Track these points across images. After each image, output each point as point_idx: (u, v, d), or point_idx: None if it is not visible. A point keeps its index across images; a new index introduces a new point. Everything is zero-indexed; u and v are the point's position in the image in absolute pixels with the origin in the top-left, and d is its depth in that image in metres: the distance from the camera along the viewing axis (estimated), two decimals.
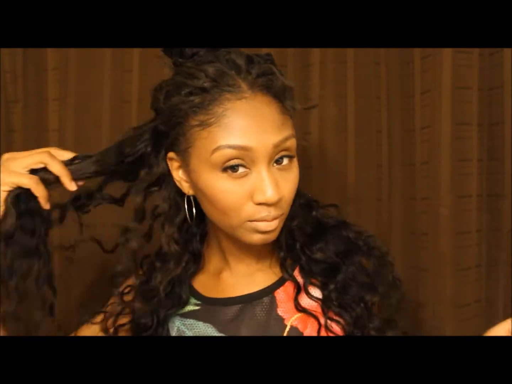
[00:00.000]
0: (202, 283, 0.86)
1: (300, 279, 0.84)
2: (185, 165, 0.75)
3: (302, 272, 0.84)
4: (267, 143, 0.70)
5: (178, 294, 0.84)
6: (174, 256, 0.81)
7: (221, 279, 0.85)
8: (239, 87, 0.71)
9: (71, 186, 0.82)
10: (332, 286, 0.81)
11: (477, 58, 1.08)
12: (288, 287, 0.83)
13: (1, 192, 0.80)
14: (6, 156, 0.82)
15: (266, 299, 0.83)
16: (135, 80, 1.19)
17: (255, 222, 0.73)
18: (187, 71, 0.75)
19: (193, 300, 0.85)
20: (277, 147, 0.71)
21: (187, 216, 0.80)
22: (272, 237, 0.76)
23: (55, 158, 0.82)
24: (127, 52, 1.19)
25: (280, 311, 0.82)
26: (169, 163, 0.79)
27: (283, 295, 0.83)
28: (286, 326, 0.81)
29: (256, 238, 0.75)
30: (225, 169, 0.71)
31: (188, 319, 0.84)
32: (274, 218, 0.73)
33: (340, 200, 1.16)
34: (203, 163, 0.72)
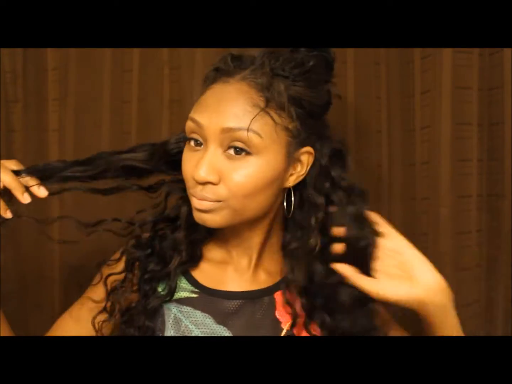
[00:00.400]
0: (201, 272, 0.86)
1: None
2: None
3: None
4: (216, 125, 0.72)
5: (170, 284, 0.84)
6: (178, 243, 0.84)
7: (224, 271, 0.85)
8: (231, 75, 0.75)
9: (24, 198, 0.80)
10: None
11: (477, 58, 1.08)
12: (287, 291, 0.84)
13: None
14: None
15: (266, 299, 0.83)
16: (135, 80, 1.19)
17: (191, 196, 0.76)
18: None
19: (189, 287, 0.84)
20: (226, 132, 0.72)
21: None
22: (209, 219, 0.75)
23: (5, 170, 0.79)
24: (127, 52, 1.19)
25: (278, 314, 0.83)
26: None
27: (282, 298, 0.84)
28: (282, 329, 0.82)
29: (196, 215, 0.77)
30: (189, 140, 0.76)
31: (184, 306, 0.83)
32: (203, 199, 0.74)
33: None
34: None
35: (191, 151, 0.76)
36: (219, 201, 0.74)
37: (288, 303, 0.82)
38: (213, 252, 0.87)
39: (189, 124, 0.75)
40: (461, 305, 1.10)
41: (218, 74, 0.77)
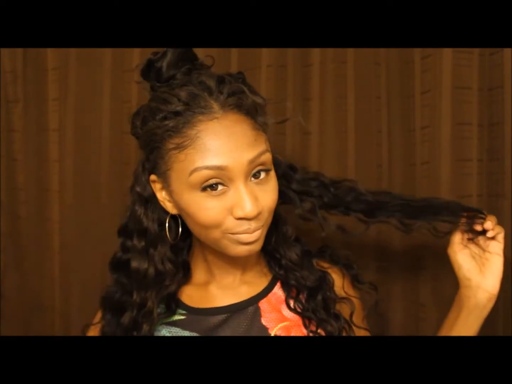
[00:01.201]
0: (188, 295, 0.87)
1: (281, 293, 0.88)
2: (167, 186, 0.78)
3: (284, 286, 0.88)
4: (242, 160, 0.72)
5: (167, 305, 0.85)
6: (170, 273, 0.83)
7: (207, 290, 0.87)
8: (211, 108, 0.73)
9: None
10: (312, 304, 0.85)
11: (477, 58, 1.08)
12: (271, 298, 0.87)
13: None
14: None
15: (250, 309, 0.85)
16: (135, 80, 1.19)
17: (236, 235, 0.75)
18: (161, 96, 0.77)
19: (179, 310, 0.86)
20: (252, 163, 0.73)
21: (167, 234, 0.82)
22: (256, 247, 0.78)
23: None
24: (127, 52, 1.19)
25: (264, 321, 0.84)
26: (152, 185, 0.81)
27: (267, 305, 0.86)
28: (270, 335, 0.84)
29: (240, 249, 0.77)
30: (204, 189, 0.73)
31: (173, 327, 0.84)
32: (256, 230, 0.76)
33: None
34: (183, 184, 0.74)
35: (214, 197, 0.73)
36: (263, 225, 0.77)
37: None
38: (196, 275, 0.88)
39: (204, 173, 0.72)
40: None
41: (187, 112, 0.73)
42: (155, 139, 0.76)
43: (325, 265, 0.91)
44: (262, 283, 0.88)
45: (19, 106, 1.27)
